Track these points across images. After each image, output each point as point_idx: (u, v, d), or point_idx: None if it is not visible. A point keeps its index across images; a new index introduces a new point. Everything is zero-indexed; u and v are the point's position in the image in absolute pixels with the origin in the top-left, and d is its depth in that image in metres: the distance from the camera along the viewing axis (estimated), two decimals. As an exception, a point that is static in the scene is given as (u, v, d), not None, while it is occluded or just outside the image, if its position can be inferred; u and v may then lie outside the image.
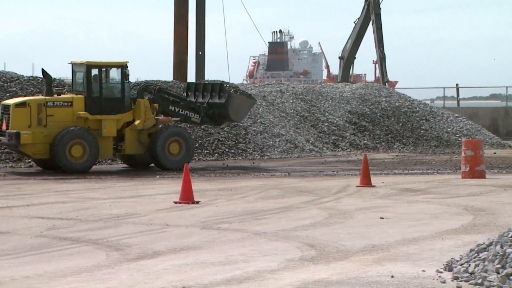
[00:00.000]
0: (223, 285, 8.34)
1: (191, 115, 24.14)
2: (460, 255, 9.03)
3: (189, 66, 36.49)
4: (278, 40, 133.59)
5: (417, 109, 34.28)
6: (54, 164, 22.36)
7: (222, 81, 29.57)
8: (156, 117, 23.27)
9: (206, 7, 38.30)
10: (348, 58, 51.36)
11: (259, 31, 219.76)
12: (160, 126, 23.43)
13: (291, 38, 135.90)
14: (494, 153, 29.37)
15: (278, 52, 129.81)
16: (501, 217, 13.10)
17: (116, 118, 22.65)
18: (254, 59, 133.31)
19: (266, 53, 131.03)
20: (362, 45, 51.44)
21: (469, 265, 8.47)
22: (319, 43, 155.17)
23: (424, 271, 8.85)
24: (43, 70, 22.73)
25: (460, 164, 20.71)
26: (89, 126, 22.37)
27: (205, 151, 27.29)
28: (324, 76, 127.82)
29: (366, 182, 18.21)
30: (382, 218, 13.13)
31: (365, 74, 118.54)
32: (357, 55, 51.95)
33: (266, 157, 27.73)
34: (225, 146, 27.85)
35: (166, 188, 18.23)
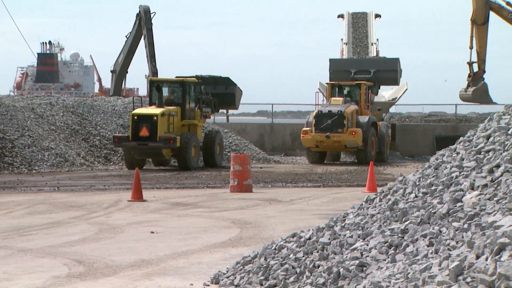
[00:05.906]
0: (-15, 305, 7.98)
1: (207, 110, 29.79)
2: (227, 268, 9.27)
3: None
4: (48, 52, 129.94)
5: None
6: (139, 163, 27.66)
7: (228, 77, 32.38)
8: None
9: (-32, 14, 36.57)
10: (120, 72, 51.07)
11: (27, 42, 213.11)
12: (209, 130, 30.52)
13: (62, 50, 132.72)
14: (261, 167, 30.45)
15: (47, 64, 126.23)
16: (266, 230, 13.59)
17: (201, 125, 29.12)
18: (22, 70, 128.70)
19: (35, 64, 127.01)
20: (135, 59, 51.27)
21: (235, 277, 8.71)
22: (90, 55, 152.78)
23: (192, 284, 8.99)
24: (157, 85, 27.59)
25: (229, 178, 21.27)
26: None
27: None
28: (97, 89, 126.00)
29: (138, 196, 18.20)
30: (152, 232, 13.18)
31: (137, 89, 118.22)
32: (129, 69, 51.82)
33: (34, 171, 26.90)
34: (-10, 159, 26.68)
35: None
